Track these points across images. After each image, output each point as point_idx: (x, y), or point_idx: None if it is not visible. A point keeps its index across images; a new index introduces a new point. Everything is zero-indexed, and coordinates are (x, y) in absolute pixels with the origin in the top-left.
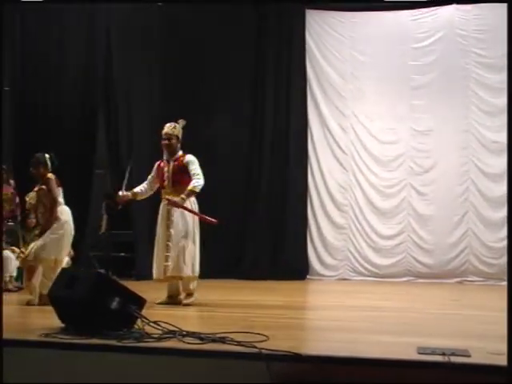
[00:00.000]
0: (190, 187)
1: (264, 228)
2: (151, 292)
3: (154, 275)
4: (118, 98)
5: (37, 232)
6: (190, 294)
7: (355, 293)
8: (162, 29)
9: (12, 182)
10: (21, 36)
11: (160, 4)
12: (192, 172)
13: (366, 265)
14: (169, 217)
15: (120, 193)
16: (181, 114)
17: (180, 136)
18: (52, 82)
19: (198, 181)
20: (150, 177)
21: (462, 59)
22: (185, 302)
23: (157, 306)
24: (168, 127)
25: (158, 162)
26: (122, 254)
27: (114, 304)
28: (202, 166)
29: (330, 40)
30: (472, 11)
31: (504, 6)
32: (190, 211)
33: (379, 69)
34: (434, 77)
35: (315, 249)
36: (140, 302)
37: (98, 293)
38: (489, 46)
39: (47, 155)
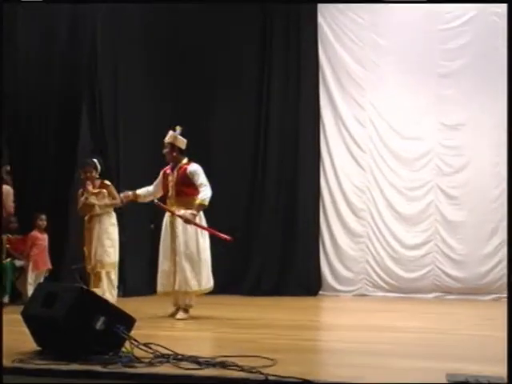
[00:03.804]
0: (198, 201)
1: (271, 237)
2: (141, 309)
3: (160, 288)
4: (104, 94)
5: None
6: (186, 310)
7: (375, 311)
8: (159, 21)
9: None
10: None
11: None
12: (198, 183)
13: (387, 279)
14: (173, 228)
15: (121, 194)
16: (178, 107)
17: (178, 144)
18: (32, 78)
19: (206, 193)
20: (155, 182)
21: (499, 41)
22: (178, 317)
23: (146, 326)
24: (166, 136)
25: (165, 169)
26: None
27: (99, 324)
28: (201, 166)
29: (345, 22)
30: None
31: None
32: (202, 227)
33: (402, 54)
34: (465, 63)
35: (329, 260)
36: (128, 322)
37: (80, 311)
38: None
39: (95, 160)
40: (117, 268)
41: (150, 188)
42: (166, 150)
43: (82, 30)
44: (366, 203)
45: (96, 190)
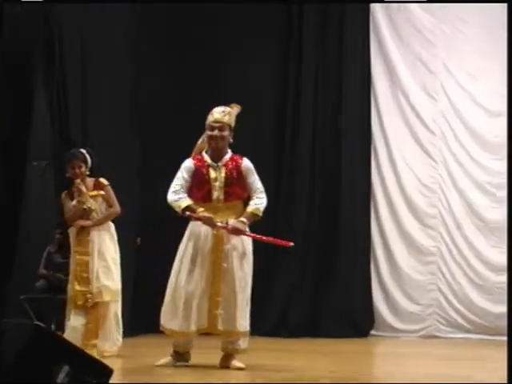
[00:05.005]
0: (252, 209)
1: (302, 254)
2: (119, 354)
3: (190, 327)
4: (68, 55)
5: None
6: (232, 353)
7: (451, 359)
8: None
9: None
10: None
11: None
12: (254, 185)
13: (469, 314)
14: (219, 244)
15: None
16: (165, 75)
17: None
18: None
19: (262, 200)
20: (181, 179)
21: None
22: (237, 364)
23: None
24: (219, 112)
25: (194, 161)
26: None
27: (61, 376)
28: None
29: None
30: None
31: None
32: (258, 238)
33: None
34: None
35: (384, 287)
36: (102, 373)
37: (34, 357)
38: None
39: (84, 150)
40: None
41: (184, 194)
42: (222, 134)
43: None
44: (436, 207)
45: (94, 193)
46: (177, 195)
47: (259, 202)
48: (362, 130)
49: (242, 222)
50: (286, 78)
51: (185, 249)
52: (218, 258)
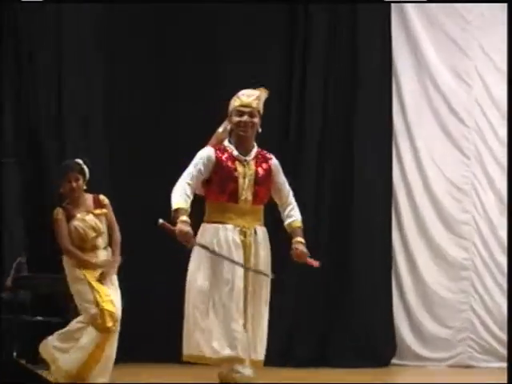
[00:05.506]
0: (299, 223)
1: (310, 270)
2: None
3: (216, 353)
4: (46, 39)
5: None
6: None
7: None
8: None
9: None
10: None
11: None
12: (285, 188)
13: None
14: (247, 256)
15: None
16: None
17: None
18: None
19: (297, 209)
20: (195, 170)
21: None
22: None
23: None
24: (248, 96)
25: (216, 152)
26: (40, 319)
27: None
28: None
29: None
30: None
31: None
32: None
33: None
34: None
35: (408, 307)
36: None
37: None
38: None
39: (80, 161)
40: None
41: (188, 190)
42: (253, 120)
43: None
44: (470, 212)
45: (98, 211)
46: (178, 191)
47: (298, 211)
48: (381, 122)
49: (303, 243)
50: (291, 76)
51: (209, 262)
52: (248, 274)
